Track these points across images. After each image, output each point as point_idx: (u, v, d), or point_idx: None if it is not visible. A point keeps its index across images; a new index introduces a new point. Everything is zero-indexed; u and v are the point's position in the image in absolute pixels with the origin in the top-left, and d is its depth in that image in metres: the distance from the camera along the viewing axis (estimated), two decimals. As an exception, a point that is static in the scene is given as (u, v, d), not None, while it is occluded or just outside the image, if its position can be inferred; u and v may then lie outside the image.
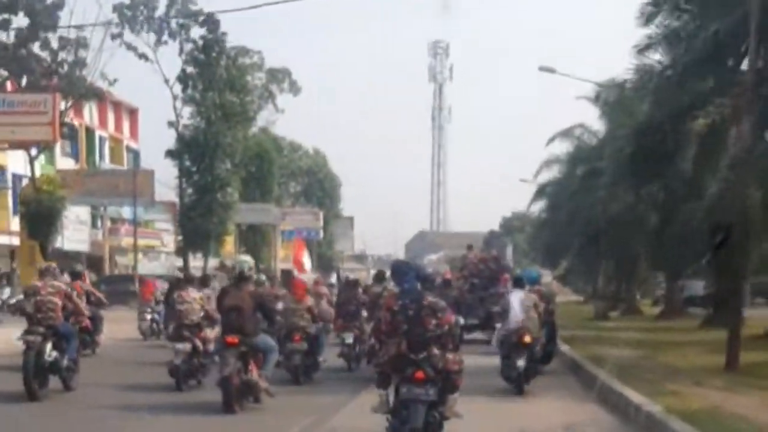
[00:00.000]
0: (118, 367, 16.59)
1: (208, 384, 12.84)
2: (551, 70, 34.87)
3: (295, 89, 49.21)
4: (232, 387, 11.00)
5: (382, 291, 15.12)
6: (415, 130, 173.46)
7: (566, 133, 42.04)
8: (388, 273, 14.24)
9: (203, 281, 16.47)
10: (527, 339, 13.11)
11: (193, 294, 13.55)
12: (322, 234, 60.74)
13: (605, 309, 34.92)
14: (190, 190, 42.20)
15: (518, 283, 14.58)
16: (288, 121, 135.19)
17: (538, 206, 57.66)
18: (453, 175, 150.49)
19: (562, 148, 43.18)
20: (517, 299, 13.59)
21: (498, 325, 14.56)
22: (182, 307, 13.33)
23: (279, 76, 48.38)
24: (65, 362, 12.38)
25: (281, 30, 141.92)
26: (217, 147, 40.92)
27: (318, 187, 69.04)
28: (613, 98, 34.55)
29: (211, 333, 13.14)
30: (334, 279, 37.05)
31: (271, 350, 11.87)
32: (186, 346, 12.88)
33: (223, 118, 41.05)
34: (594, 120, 39.84)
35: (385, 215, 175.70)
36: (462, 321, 16.01)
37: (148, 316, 22.56)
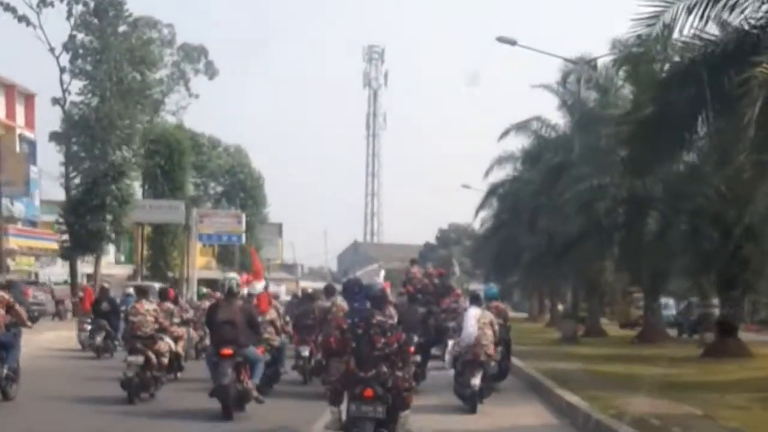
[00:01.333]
0: (60, 378, 16.43)
1: (163, 397, 13.23)
2: (512, 42, 29.01)
3: (211, 71, 42.42)
4: (230, 395, 11.51)
5: (331, 306, 14.76)
6: (349, 136, 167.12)
7: (522, 127, 36.35)
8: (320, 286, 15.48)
9: (161, 294, 16.41)
10: (482, 356, 12.92)
11: (146, 306, 13.55)
12: (244, 239, 53.81)
13: (574, 330, 29.08)
14: (78, 181, 35.14)
15: (475, 300, 14.12)
16: (209, 118, 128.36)
17: (482, 215, 52.57)
18: (388, 185, 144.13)
19: (517, 143, 37.68)
20: (472, 316, 13.27)
21: (450, 342, 14.28)
22: (135, 319, 13.29)
23: (194, 54, 41.54)
24: (5, 371, 12.47)
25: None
26: (111, 129, 34.05)
27: (240, 187, 62.21)
28: (587, 76, 29.03)
29: (165, 345, 13.46)
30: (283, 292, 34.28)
31: (260, 361, 12.44)
32: (138, 359, 12.77)
33: (120, 95, 34.18)
34: (551, 113, 34.63)
35: (317, 224, 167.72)
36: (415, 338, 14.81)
37: (88, 327, 21.76)
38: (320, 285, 74.73)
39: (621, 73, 22.82)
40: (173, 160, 44.24)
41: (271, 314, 14.76)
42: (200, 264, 69.46)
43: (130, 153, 35.87)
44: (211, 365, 11.86)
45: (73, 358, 20.77)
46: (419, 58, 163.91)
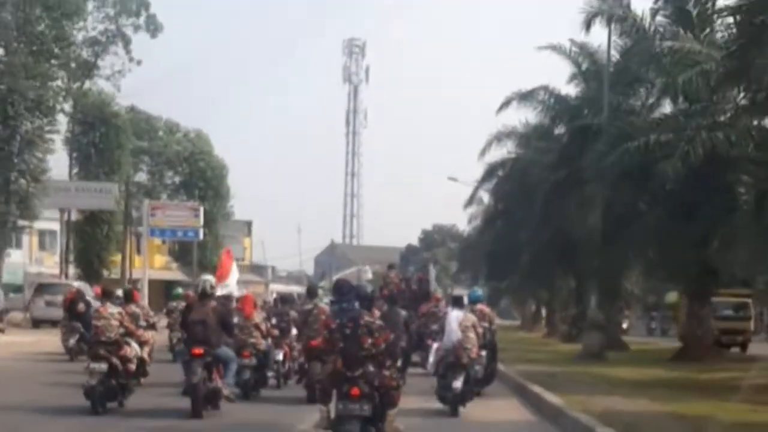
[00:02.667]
0: (27, 384, 15.73)
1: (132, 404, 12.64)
2: None
3: (153, 26, 35.40)
4: (200, 394, 11.64)
5: (313, 308, 14.24)
6: (328, 133, 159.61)
7: (526, 97, 29.55)
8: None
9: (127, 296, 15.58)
10: (464, 359, 12.72)
11: (111, 309, 12.78)
12: (201, 235, 46.64)
13: (601, 345, 22.38)
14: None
15: (457, 302, 13.73)
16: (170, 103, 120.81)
17: (471, 211, 46.19)
18: (368, 185, 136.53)
19: (520, 116, 31.13)
20: (455, 319, 13.09)
21: (435, 345, 13.75)
22: (99, 323, 12.59)
23: (131, 6, 34.47)
24: None
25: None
26: (16, 87, 26.98)
27: (200, 177, 55.24)
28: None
29: (131, 351, 12.82)
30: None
31: (232, 360, 12.63)
32: (102, 366, 12.09)
33: (28, 46, 27.15)
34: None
35: (291, 224, 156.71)
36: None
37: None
38: (294, 289, 67.13)
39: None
40: (109, 138, 37.20)
41: (257, 318, 14.79)
42: (159, 264, 62.81)
43: (44, 121, 28.81)
44: (184, 365, 12.11)
45: (45, 362, 20.04)
46: (402, 52, 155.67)
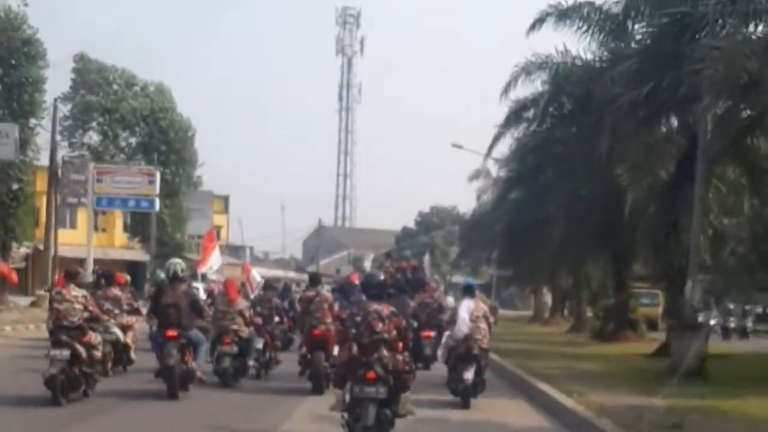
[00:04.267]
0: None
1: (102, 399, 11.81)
2: None
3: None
4: (176, 375, 11.81)
5: (315, 296, 13.86)
6: (319, 108, 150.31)
7: (566, 15, 21.06)
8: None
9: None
10: (475, 350, 12.45)
11: (74, 292, 11.86)
12: (157, 205, 38.07)
13: (699, 357, 14.40)
14: None
15: (468, 291, 13.34)
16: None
17: (478, 185, 38.48)
18: (362, 164, 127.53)
19: (555, 38, 22.88)
20: (465, 308, 12.77)
21: (446, 333, 13.37)
22: (61, 307, 11.71)
23: None
24: None
25: None
26: None
27: (161, 139, 46.99)
28: None
29: (96, 337, 12.03)
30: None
31: (202, 342, 12.76)
32: (64, 353, 11.31)
33: None
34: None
35: (274, 203, 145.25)
36: None
37: None
38: (277, 273, 58.93)
39: None
40: (19, 70, 28.87)
41: (240, 304, 14.40)
42: (120, 242, 54.52)
43: None
44: (157, 347, 12.48)
45: (29, 348, 17.78)
46: (399, 22, 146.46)
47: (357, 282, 18.55)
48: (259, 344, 14.76)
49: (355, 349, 8.48)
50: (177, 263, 12.79)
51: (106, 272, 16.37)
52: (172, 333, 11.90)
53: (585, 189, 23.87)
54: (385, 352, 8.39)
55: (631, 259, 27.37)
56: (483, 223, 45.50)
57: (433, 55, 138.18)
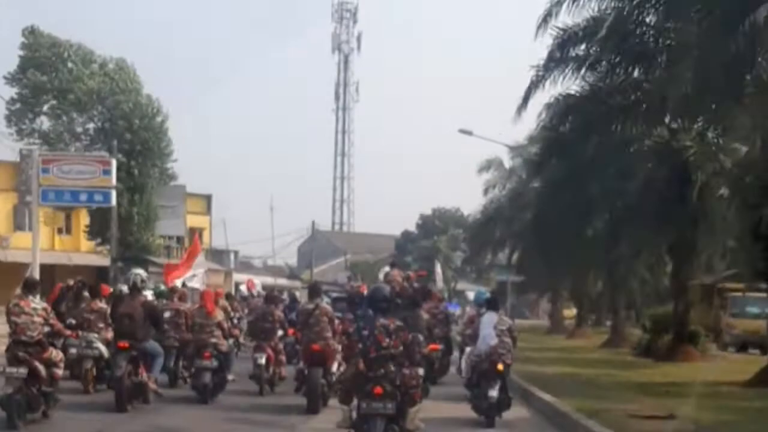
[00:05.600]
0: None
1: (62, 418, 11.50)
2: None
3: None
4: (124, 387, 11.85)
5: (314, 309, 13.48)
6: (315, 107, 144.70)
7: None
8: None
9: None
10: (500, 366, 12.15)
11: (34, 304, 11.38)
12: (114, 198, 31.70)
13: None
14: None
15: (492, 304, 13.15)
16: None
17: (487, 176, 40.36)
18: (360, 166, 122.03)
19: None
20: (489, 323, 12.48)
21: (468, 349, 13.58)
22: (19, 321, 11.20)
23: None
24: None
25: None
26: None
27: (125, 126, 40.78)
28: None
29: (57, 354, 11.59)
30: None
31: (159, 355, 12.79)
32: (21, 371, 10.84)
33: None
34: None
35: (263, 204, 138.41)
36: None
37: None
38: (266, 280, 51.27)
39: None
40: None
41: (219, 316, 14.42)
42: (87, 246, 48.20)
43: None
44: (111, 358, 12.67)
45: None
46: (398, 17, 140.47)
47: (363, 291, 18.68)
48: (262, 359, 14.60)
49: (361, 364, 8.58)
50: (138, 273, 12.92)
51: (90, 284, 16.33)
52: (122, 344, 12.08)
53: (645, 159, 19.15)
54: (392, 367, 8.49)
55: (692, 255, 22.65)
56: (496, 220, 40.26)
57: (433, 55, 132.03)
